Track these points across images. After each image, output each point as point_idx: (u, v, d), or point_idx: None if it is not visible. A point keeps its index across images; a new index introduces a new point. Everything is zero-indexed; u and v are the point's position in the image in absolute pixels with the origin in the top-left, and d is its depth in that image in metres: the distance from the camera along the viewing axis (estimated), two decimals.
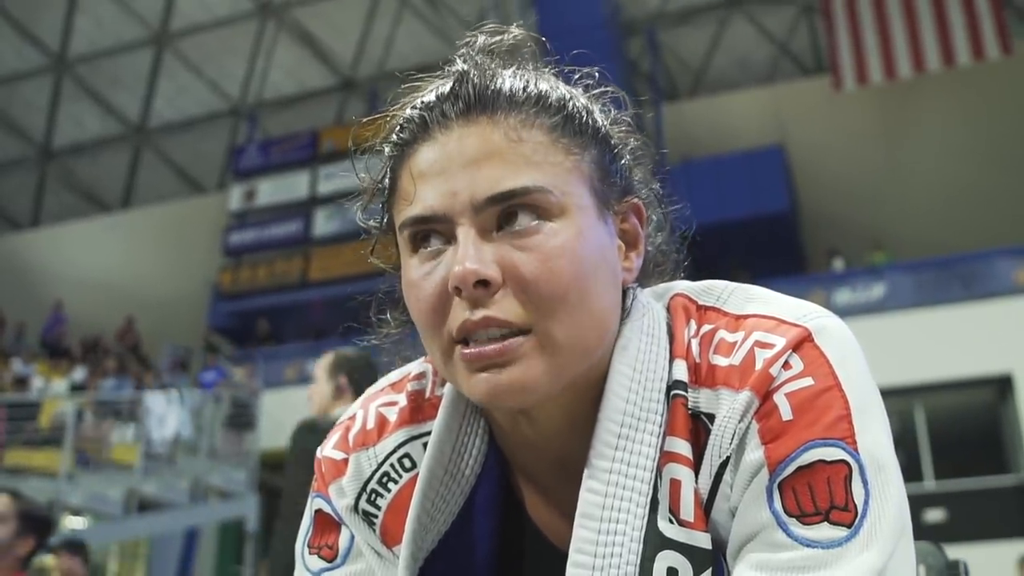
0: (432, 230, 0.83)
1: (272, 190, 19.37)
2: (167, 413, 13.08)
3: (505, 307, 0.80)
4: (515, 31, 0.91)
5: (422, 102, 0.86)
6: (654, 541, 0.81)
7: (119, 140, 22.46)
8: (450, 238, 0.82)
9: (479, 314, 0.79)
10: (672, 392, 0.85)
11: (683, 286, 0.93)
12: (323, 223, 18.45)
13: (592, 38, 14.62)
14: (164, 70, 21.32)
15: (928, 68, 16.12)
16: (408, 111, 0.87)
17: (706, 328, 0.87)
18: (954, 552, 1.24)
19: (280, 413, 14.24)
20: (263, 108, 21.58)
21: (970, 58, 15.92)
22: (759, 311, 0.86)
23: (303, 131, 20.07)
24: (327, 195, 18.46)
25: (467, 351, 0.81)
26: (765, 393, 0.80)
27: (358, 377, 3.50)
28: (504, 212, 0.81)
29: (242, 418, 14.10)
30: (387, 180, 0.89)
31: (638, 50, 19.38)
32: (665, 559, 0.80)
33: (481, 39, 0.90)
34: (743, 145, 17.29)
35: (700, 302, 0.91)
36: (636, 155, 0.94)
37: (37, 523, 3.15)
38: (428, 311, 0.82)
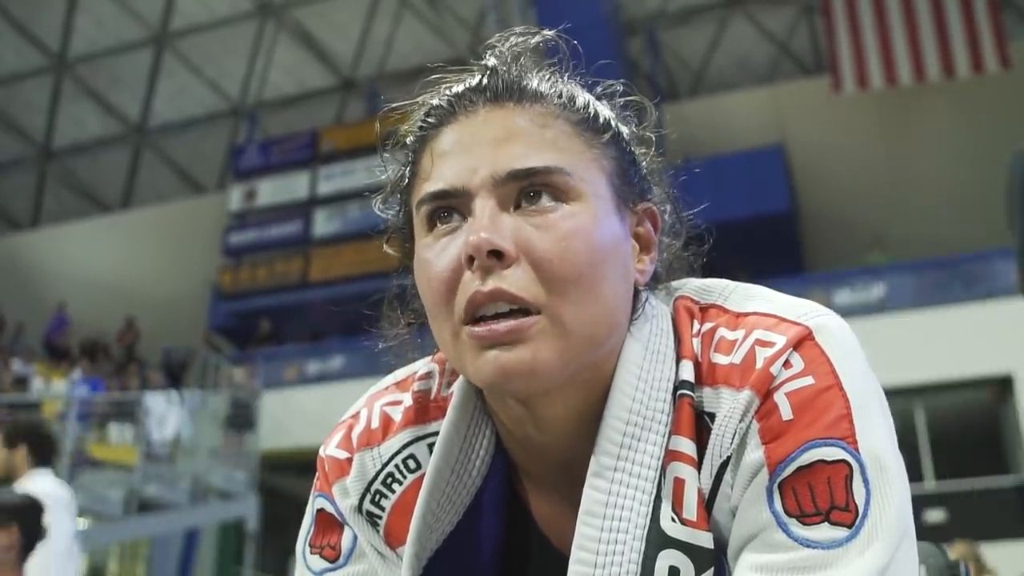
0: (449, 206, 0.83)
1: (272, 190, 19.36)
2: (167, 414, 13.07)
3: (517, 282, 0.79)
4: (545, 32, 0.93)
5: (450, 92, 0.88)
6: (657, 539, 0.81)
7: (119, 140, 22.45)
8: (467, 214, 0.82)
9: (489, 285, 0.79)
10: (679, 392, 0.85)
11: (686, 286, 0.94)
12: (323, 223, 18.45)
13: (592, 38, 14.50)
14: (164, 70, 21.32)
15: (928, 77, 16.13)
16: (435, 100, 0.88)
17: (707, 326, 0.88)
18: (955, 553, 1.24)
19: (280, 413, 14.25)
20: (263, 108, 21.58)
21: (969, 70, 15.95)
22: (759, 309, 0.86)
23: (303, 131, 20.06)
24: (327, 195, 18.47)
25: (476, 329, 0.80)
26: (765, 392, 0.80)
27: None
28: (523, 189, 0.82)
29: (242, 418, 14.09)
30: (408, 167, 0.90)
31: (638, 50, 19.37)
32: (667, 557, 0.80)
33: (511, 39, 0.91)
34: (743, 145, 17.28)
35: (702, 301, 0.91)
36: (654, 164, 0.96)
37: (14, 511, 3.12)
38: (440, 287, 0.82)
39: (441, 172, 0.84)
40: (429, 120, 0.88)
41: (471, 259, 0.79)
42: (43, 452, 4.12)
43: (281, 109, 21.59)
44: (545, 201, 0.81)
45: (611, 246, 0.84)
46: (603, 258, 0.82)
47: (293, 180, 19.23)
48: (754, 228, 15.77)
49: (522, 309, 0.80)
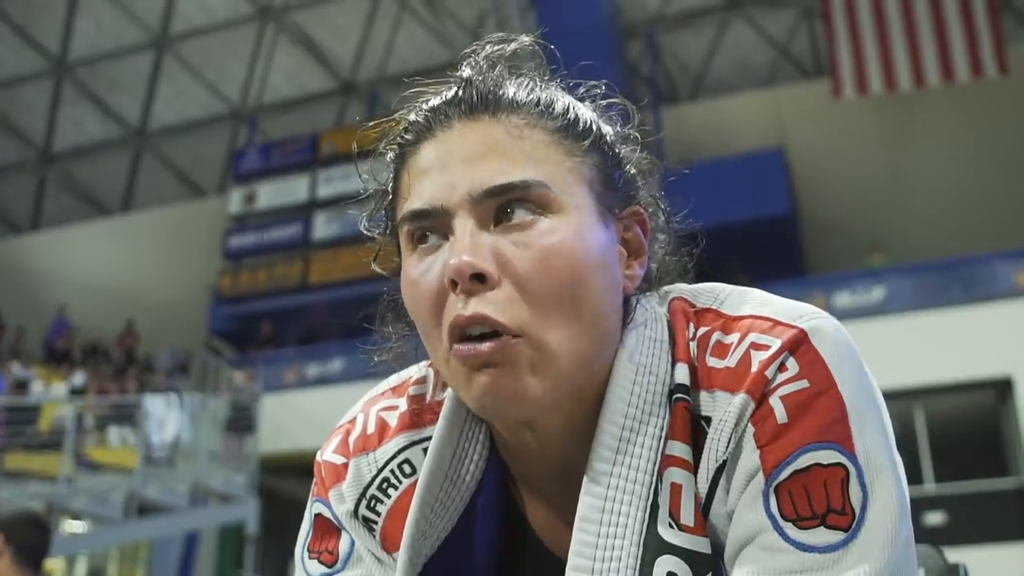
0: (431, 225, 0.83)
1: (272, 193, 19.36)
2: (167, 417, 13.07)
3: (498, 305, 0.79)
4: (522, 39, 0.91)
5: (427, 106, 0.87)
6: (654, 546, 0.80)
7: (119, 143, 22.46)
8: (448, 233, 0.82)
9: (471, 308, 0.79)
10: (674, 396, 0.84)
11: (681, 289, 0.93)
12: (323, 226, 18.45)
13: (592, 41, 14.62)
14: (164, 73, 21.33)
15: (928, 82, 16.15)
16: (412, 116, 0.88)
17: (702, 330, 0.87)
18: (954, 555, 1.24)
19: (280, 416, 14.25)
20: (263, 111, 21.59)
21: (969, 75, 15.98)
22: (755, 312, 0.85)
23: (303, 134, 20.07)
24: (327, 198, 18.46)
25: (460, 346, 0.80)
26: (760, 396, 0.79)
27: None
28: (502, 206, 0.81)
29: (242, 421, 14.09)
30: (390, 184, 0.90)
31: (638, 53, 19.39)
32: (665, 564, 0.80)
33: (487, 48, 0.90)
34: (743, 148, 17.29)
35: (697, 304, 0.90)
36: (641, 166, 0.94)
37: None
38: (427, 308, 0.82)
39: (419, 191, 0.83)
40: (406, 137, 0.87)
41: (454, 283, 0.79)
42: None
43: (281, 112, 21.60)
44: (524, 216, 0.80)
45: (596, 258, 0.83)
46: (587, 272, 0.81)
47: (293, 183, 19.24)
48: (754, 231, 15.78)
49: (502, 333, 0.79)
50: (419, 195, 0.83)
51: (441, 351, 0.83)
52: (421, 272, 0.83)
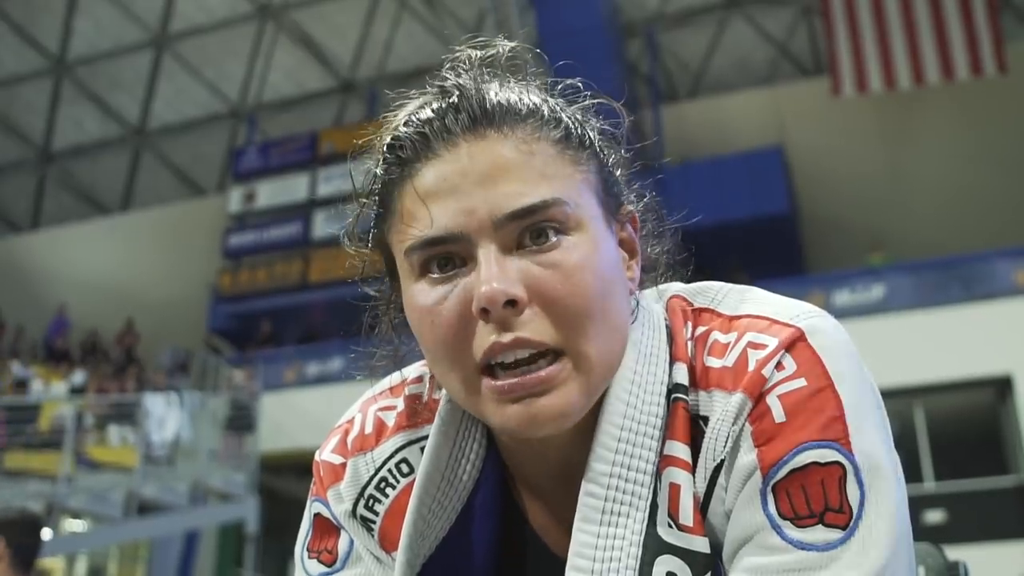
0: (446, 251, 0.80)
1: (272, 192, 19.36)
2: (166, 415, 13.07)
3: (535, 327, 0.78)
4: (506, 43, 0.89)
5: (418, 118, 0.83)
6: (653, 546, 0.80)
7: (118, 142, 22.45)
8: (466, 259, 0.80)
9: (508, 336, 0.78)
10: (673, 395, 0.84)
11: (679, 288, 0.93)
12: (323, 225, 18.45)
13: (591, 40, 14.60)
14: (163, 72, 21.32)
15: (927, 80, 16.15)
16: (403, 129, 0.84)
17: (700, 330, 0.87)
18: (954, 553, 1.24)
19: (280, 415, 14.25)
20: (262, 110, 21.58)
21: (969, 74, 15.99)
22: (752, 311, 0.85)
23: (302, 133, 20.06)
24: (326, 197, 18.47)
25: (500, 383, 0.79)
26: (758, 395, 0.79)
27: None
28: (523, 228, 0.79)
29: (242, 420, 14.09)
30: (379, 198, 0.86)
31: (637, 52, 19.37)
32: (664, 564, 0.80)
33: (472, 52, 0.88)
34: (742, 146, 17.29)
35: (695, 304, 0.90)
36: (627, 164, 0.94)
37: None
38: (450, 338, 0.80)
39: (433, 216, 0.79)
40: (401, 153, 0.83)
41: (485, 311, 0.77)
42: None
43: (280, 111, 21.59)
44: (546, 236, 0.79)
45: (613, 268, 0.83)
46: (610, 283, 0.81)
47: (293, 182, 19.24)
48: (754, 229, 15.78)
49: (542, 352, 0.79)
50: (434, 220, 0.80)
51: (460, 378, 0.82)
52: (436, 299, 0.80)
